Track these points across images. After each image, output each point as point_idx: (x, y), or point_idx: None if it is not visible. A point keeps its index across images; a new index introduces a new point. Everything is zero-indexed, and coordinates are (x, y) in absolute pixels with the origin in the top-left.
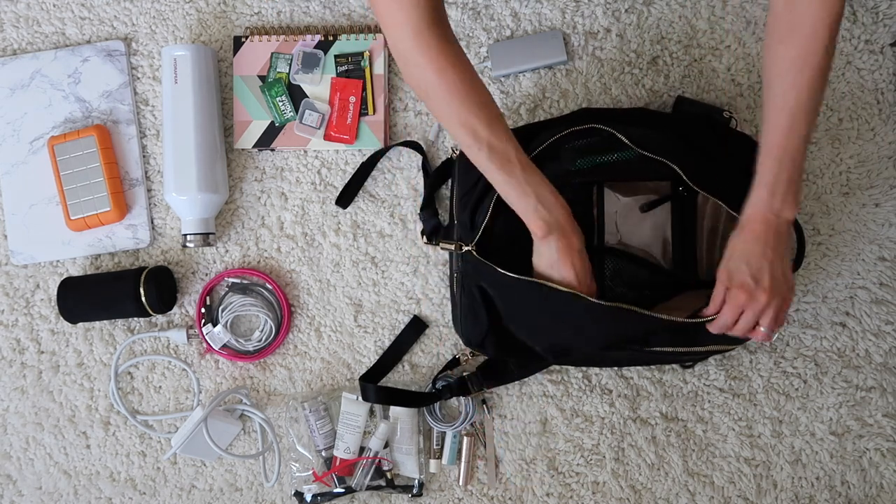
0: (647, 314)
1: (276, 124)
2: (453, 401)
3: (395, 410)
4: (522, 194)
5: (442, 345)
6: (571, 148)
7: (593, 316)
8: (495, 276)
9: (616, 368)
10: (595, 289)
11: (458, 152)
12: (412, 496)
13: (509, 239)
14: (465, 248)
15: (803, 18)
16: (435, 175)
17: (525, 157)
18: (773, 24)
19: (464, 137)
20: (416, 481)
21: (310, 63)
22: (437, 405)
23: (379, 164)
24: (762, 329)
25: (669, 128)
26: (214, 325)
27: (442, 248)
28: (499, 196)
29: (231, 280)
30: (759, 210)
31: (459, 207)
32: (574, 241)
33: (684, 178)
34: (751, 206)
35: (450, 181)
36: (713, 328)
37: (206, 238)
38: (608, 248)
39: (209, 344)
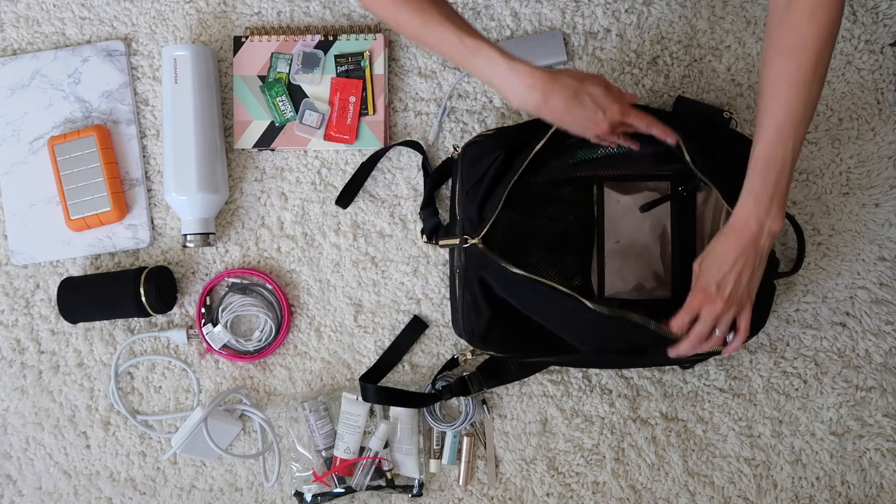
0: (645, 327)
1: (276, 124)
2: (453, 401)
3: (395, 410)
4: (480, 75)
5: (442, 345)
6: (574, 142)
7: (593, 318)
8: (499, 270)
9: (616, 368)
10: (618, 110)
11: (459, 150)
12: (412, 496)
13: (514, 233)
14: (471, 242)
15: (795, 33)
16: (435, 175)
17: (472, 37)
18: (769, 34)
19: (409, 35)
20: (416, 481)
21: (310, 63)
22: (437, 405)
23: (379, 164)
24: (717, 333)
25: (670, 124)
26: (214, 325)
27: (442, 246)
28: (511, 190)
29: (231, 280)
30: (744, 218)
31: (466, 201)
32: (554, 99)
33: (686, 154)
34: (736, 212)
35: (450, 180)
36: (673, 327)
37: (206, 238)
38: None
39: (209, 344)
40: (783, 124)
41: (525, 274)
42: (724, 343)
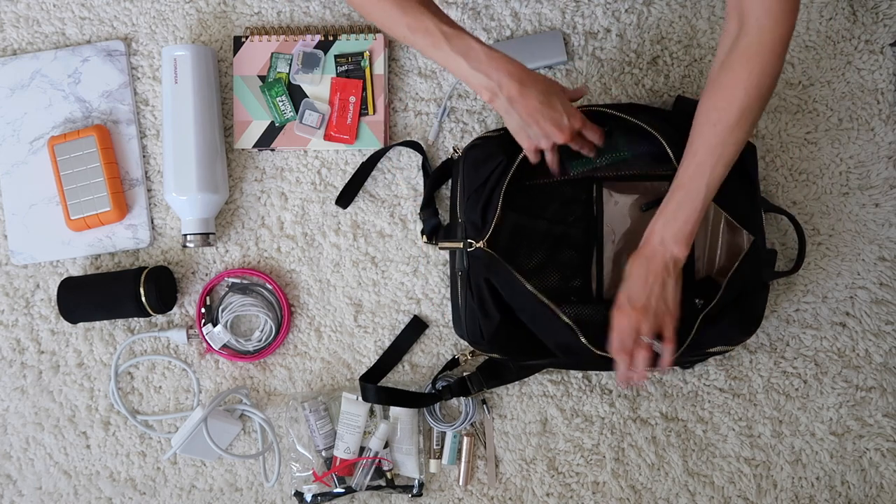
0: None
1: (276, 124)
2: (453, 401)
3: (395, 410)
4: (455, 64)
5: (442, 345)
6: (568, 150)
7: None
8: (508, 277)
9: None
10: (580, 121)
11: (459, 151)
12: (412, 496)
13: (516, 236)
14: (476, 245)
15: (730, 77)
16: (435, 175)
17: (448, 25)
18: (710, 72)
19: (388, 28)
20: (416, 481)
21: (310, 63)
22: (437, 405)
23: (379, 164)
24: (643, 339)
25: (667, 121)
26: (214, 325)
27: (443, 248)
28: (510, 191)
29: (231, 280)
30: (653, 238)
31: (469, 205)
32: (529, 95)
33: (670, 153)
34: (648, 230)
35: (450, 181)
36: (614, 355)
37: (206, 238)
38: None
39: (209, 344)
40: (703, 160)
41: (532, 291)
42: (656, 356)
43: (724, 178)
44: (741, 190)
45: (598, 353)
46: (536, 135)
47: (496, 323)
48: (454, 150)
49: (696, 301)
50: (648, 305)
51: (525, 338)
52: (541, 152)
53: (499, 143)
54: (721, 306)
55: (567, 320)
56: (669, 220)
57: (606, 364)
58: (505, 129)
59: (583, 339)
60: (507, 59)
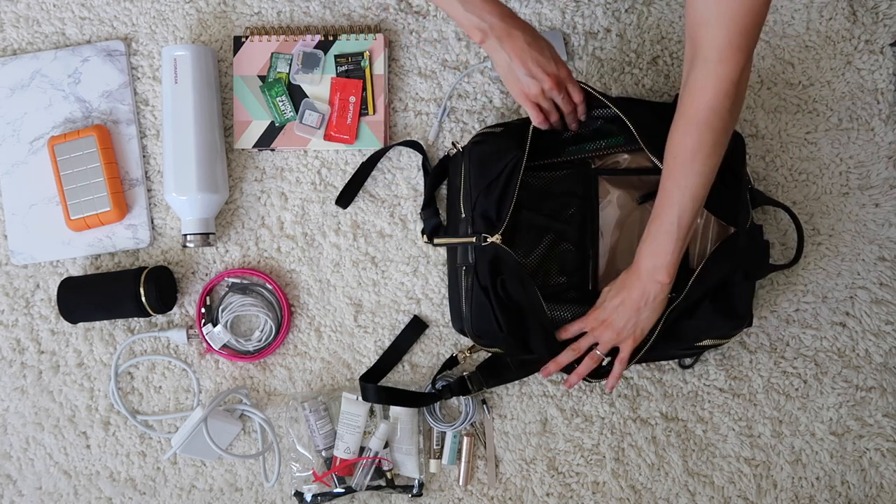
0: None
1: (276, 124)
2: (453, 401)
3: (395, 410)
4: (450, 5)
5: (442, 345)
6: (564, 138)
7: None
8: (519, 273)
9: None
10: (567, 72)
11: (458, 148)
12: (412, 496)
13: (520, 230)
14: (491, 239)
15: (680, 108)
16: (434, 174)
17: None
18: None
19: None
20: (416, 481)
21: (310, 63)
22: (437, 405)
23: (379, 164)
24: (596, 352)
25: (660, 116)
26: (214, 325)
27: (441, 245)
28: (521, 183)
29: (231, 280)
30: (640, 263)
31: (480, 199)
32: (517, 36)
33: (640, 140)
34: (637, 253)
35: (448, 177)
36: (560, 334)
37: (206, 238)
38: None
39: (209, 344)
40: (671, 192)
41: (540, 301)
42: (601, 366)
43: (697, 210)
44: (721, 184)
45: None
46: (525, 77)
47: (516, 315)
48: (453, 144)
49: (671, 293)
50: (617, 326)
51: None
52: (548, 124)
53: (508, 137)
54: (695, 299)
55: (570, 332)
56: (652, 250)
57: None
58: (506, 125)
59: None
60: (500, 4)
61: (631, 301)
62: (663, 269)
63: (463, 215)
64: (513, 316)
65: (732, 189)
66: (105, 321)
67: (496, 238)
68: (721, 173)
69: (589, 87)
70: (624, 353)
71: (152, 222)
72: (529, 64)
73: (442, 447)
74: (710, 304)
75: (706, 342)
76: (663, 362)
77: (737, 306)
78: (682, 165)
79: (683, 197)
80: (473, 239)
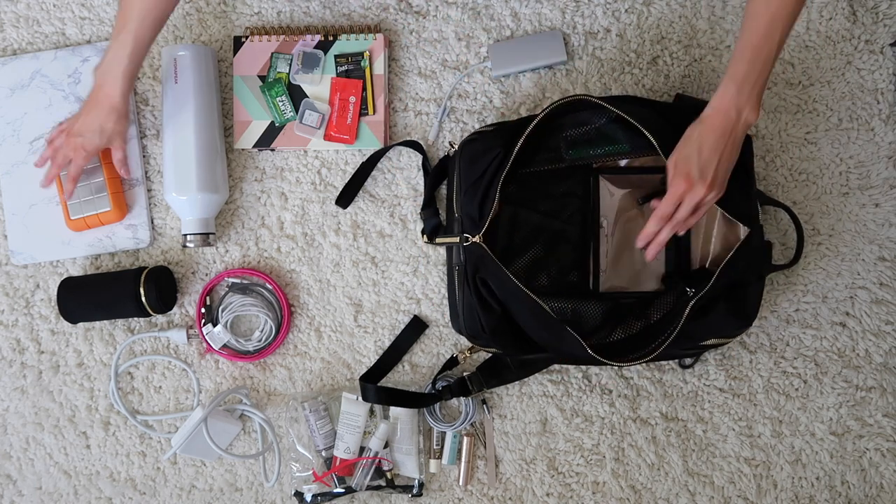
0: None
1: (276, 124)
2: (453, 401)
3: (395, 410)
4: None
5: (442, 345)
6: (565, 138)
7: (574, 343)
8: (497, 271)
9: (616, 368)
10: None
11: (456, 148)
12: (412, 496)
13: (512, 230)
14: (472, 240)
15: None
16: (434, 174)
17: (128, 30)
18: None
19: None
20: (416, 481)
21: (310, 63)
22: (437, 405)
23: (379, 164)
24: (693, 218)
25: (663, 115)
26: (214, 325)
27: (440, 244)
28: (507, 183)
29: (231, 280)
30: (724, 104)
31: (465, 198)
32: (83, 114)
33: (659, 150)
34: (717, 98)
35: (448, 178)
36: (653, 219)
37: (206, 238)
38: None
39: (209, 344)
40: (776, 16)
41: (519, 286)
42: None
43: (784, 39)
44: (735, 183)
45: (591, 352)
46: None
47: (497, 316)
48: (450, 144)
49: (688, 290)
50: (716, 179)
51: (523, 331)
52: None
53: (495, 136)
54: (712, 297)
55: (554, 314)
56: (743, 86)
57: (599, 360)
58: (500, 124)
59: (573, 333)
60: (119, 86)
61: (728, 149)
62: (756, 106)
63: (456, 215)
64: (493, 315)
65: (745, 188)
66: (105, 321)
67: (477, 238)
68: (735, 171)
69: (606, 100)
70: (707, 207)
71: (152, 222)
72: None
73: (442, 447)
74: (725, 303)
75: (711, 341)
76: (663, 362)
77: (749, 306)
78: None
79: (787, 24)
80: (457, 239)
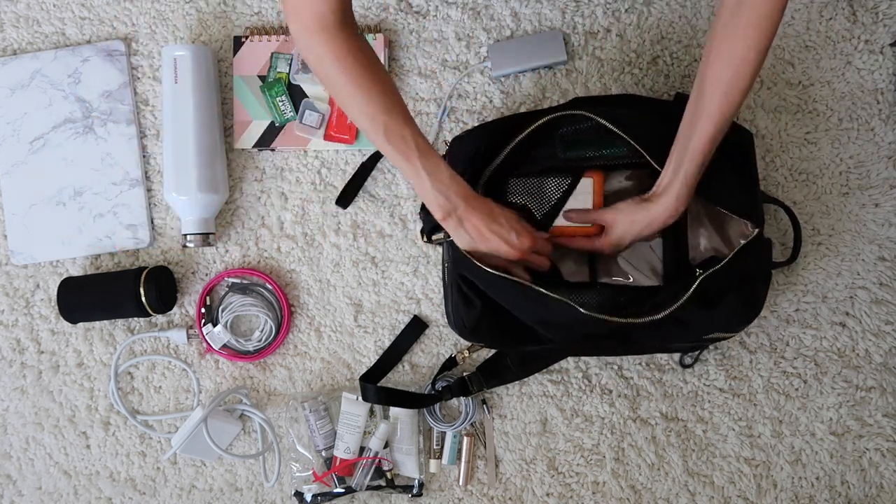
0: (622, 322)
1: (276, 124)
2: (453, 401)
3: (395, 410)
4: (418, 177)
5: (442, 345)
6: (561, 136)
7: (569, 312)
8: (473, 267)
9: (616, 368)
10: (528, 237)
11: (448, 144)
12: (412, 496)
13: None
14: (450, 238)
15: (741, 43)
16: None
17: (423, 141)
18: (714, 33)
19: (362, 123)
20: (416, 481)
21: None
22: (437, 405)
23: (379, 164)
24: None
25: (661, 115)
26: (214, 325)
27: (434, 242)
28: (491, 183)
29: (231, 280)
30: (667, 200)
31: None
32: (474, 213)
33: (654, 164)
34: (663, 191)
35: None
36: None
37: (206, 238)
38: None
39: (209, 344)
40: (720, 126)
41: (492, 272)
42: None
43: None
44: (739, 182)
45: (582, 310)
46: (488, 253)
47: (478, 311)
48: (445, 142)
49: (697, 271)
50: (620, 246)
51: (509, 324)
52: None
53: (481, 133)
54: (720, 290)
55: (540, 289)
56: (690, 187)
57: (598, 329)
58: (494, 121)
59: (557, 297)
60: (465, 183)
61: (651, 235)
62: (687, 202)
63: None
64: (473, 311)
65: (751, 186)
66: (105, 321)
67: None
68: (739, 171)
69: (592, 115)
70: (601, 247)
71: (152, 222)
72: (489, 238)
73: (442, 447)
74: (735, 297)
75: (713, 335)
76: (663, 362)
77: (756, 301)
78: (734, 100)
79: (725, 130)
80: (443, 235)
